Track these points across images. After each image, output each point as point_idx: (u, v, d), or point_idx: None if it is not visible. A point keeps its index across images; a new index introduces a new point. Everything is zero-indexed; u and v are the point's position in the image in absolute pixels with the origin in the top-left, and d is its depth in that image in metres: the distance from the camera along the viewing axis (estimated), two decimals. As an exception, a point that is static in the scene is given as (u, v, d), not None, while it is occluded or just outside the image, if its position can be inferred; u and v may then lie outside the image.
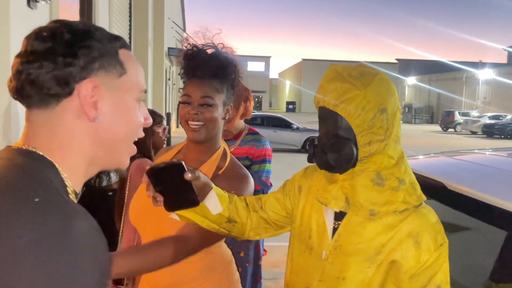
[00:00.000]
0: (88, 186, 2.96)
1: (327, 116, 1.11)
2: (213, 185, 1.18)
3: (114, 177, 2.94)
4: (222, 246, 1.47)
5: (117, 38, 0.78)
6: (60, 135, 0.72)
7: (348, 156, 1.08)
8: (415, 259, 1.04)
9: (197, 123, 1.35)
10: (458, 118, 31.13)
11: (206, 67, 1.37)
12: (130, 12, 7.25)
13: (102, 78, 0.74)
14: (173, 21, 16.34)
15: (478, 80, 39.63)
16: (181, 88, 1.44)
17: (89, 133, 0.73)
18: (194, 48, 1.40)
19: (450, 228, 1.51)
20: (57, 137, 0.71)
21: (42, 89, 0.69)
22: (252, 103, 2.53)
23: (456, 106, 39.52)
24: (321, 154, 1.12)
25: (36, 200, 0.60)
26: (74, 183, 0.73)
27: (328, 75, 1.12)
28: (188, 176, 1.06)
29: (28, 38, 0.71)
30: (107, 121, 0.74)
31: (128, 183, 2.21)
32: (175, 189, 1.09)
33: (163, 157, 1.51)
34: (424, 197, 1.11)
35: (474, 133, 28.41)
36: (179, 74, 1.48)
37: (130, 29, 7.18)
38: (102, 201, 2.97)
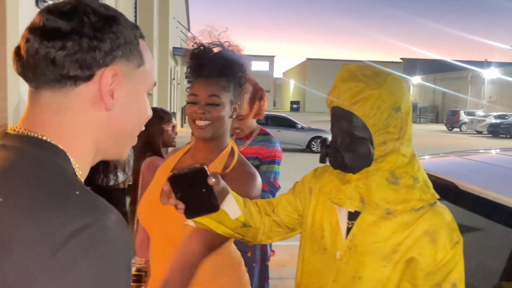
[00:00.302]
0: (96, 185, 2.96)
1: (341, 116, 1.10)
2: (229, 189, 1.16)
3: (121, 177, 2.94)
4: (231, 247, 1.46)
5: (137, 27, 0.75)
6: (71, 122, 0.68)
7: (365, 155, 1.08)
8: (432, 257, 1.04)
9: (204, 122, 1.36)
10: (464, 117, 30.98)
11: (212, 66, 1.37)
12: (135, 12, 7.26)
13: (123, 66, 0.70)
14: (178, 21, 16.36)
15: (484, 79, 39.42)
16: (188, 88, 1.44)
17: (101, 123, 0.70)
18: (200, 47, 1.41)
19: (462, 229, 1.50)
20: (68, 124, 0.68)
21: (60, 70, 0.65)
22: (266, 103, 2.53)
23: (462, 105, 39.34)
24: (336, 154, 1.12)
25: (77, 193, 0.59)
26: (81, 173, 0.70)
27: (342, 75, 1.12)
28: (211, 181, 1.04)
29: (48, 12, 0.66)
30: (121, 112, 0.71)
31: (140, 181, 2.22)
32: (196, 194, 1.07)
33: (172, 158, 1.51)
34: (437, 195, 1.12)
35: (479, 132, 28.27)
36: (185, 73, 1.48)
37: (135, 29, 7.20)
38: (110, 200, 2.97)
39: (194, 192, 1.06)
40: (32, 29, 0.65)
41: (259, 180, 1.41)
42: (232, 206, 1.15)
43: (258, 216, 1.25)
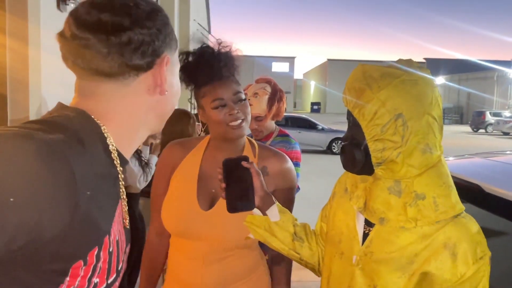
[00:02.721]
0: None
1: (349, 116, 1.09)
2: (275, 200, 1.25)
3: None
4: (258, 245, 1.48)
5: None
6: (125, 109, 0.74)
7: (354, 161, 1.04)
8: (451, 272, 0.97)
9: (239, 121, 1.35)
10: (489, 118, 30.21)
11: (224, 66, 1.37)
12: (156, 14, 7.35)
13: (169, 52, 0.76)
14: (198, 23, 16.49)
15: (511, 79, 38.40)
16: (190, 99, 1.45)
17: (152, 106, 0.76)
18: (203, 49, 1.39)
19: (486, 233, 1.45)
20: (121, 110, 0.74)
21: (127, 61, 0.69)
22: (285, 105, 2.52)
23: (487, 106, 38.40)
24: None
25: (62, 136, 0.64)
26: (125, 150, 0.76)
27: (353, 74, 1.08)
28: (249, 164, 1.18)
29: (97, 9, 0.69)
30: (169, 94, 0.78)
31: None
32: (239, 184, 1.18)
33: (191, 162, 1.45)
34: (458, 209, 1.01)
35: (506, 134, 27.54)
36: (186, 87, 1.44)
37: (156, 31, 7.28)
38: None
39: (239, 180, 1.17)
40: (90, 27, 0.68)
41: (288, 161, 1.47)
42: (273, 211, 1.22)
43: (313, 236, 1.31)
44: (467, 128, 32.97)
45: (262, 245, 1.48)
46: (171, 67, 0.77)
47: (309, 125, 15.01)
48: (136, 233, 3.05)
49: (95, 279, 0.68)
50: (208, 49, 1.38)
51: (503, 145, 20.08)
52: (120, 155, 0.75)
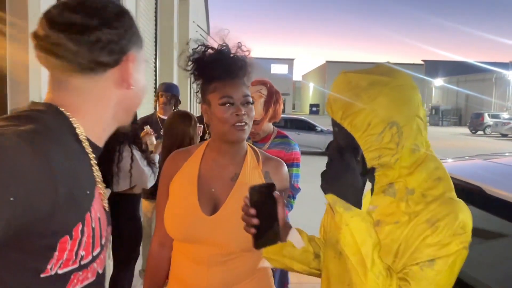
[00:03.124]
0: (115, 192, 2.99)
1: (335, 125, 1.06)
2: (291, 225, 1.23)
3: (125, 183, 2.92)
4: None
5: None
6: (95, 102, 0.81)
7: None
8: (428, 241, 0.96)
9: (243, 123, 1.35)
10: (488, 120, 30.26)
11: (238, 67, 1.38)
12: (155, 16, 7.34)
13: (135, 50, 0.83)
14: (197, 25, 16.50)
15: (509, 81, 38.46)
16: (197, 92, 1.43)
17: (119, 100, 0.83)
18: (222, 47, 1.40)
19: (488, 235, 1.45)
20: (92, 103, 0.81)
21: (96, 59, 0.77)
22: (282, 106, 2.50)
23: (486, 108, 38.44)
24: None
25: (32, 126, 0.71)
26: (96, 139, 0.83)
27: (338, 83, 1.05)
28: (277, 194, 1.11)
29: (68, 9, 0.76)
30: (136, 88, 0.84)
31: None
32: (267, 217, 1.09)
33: (190, 166, 1.44)
34: (446, 197, 1.02)
35: (504, 135, 27.58)
36: (195, 80, 1.45)
37: (155, 32, 7.27)
38: (123, 205, 2.97)
39: (267, 212, 1.09)
40: (62, 27, 0.76)
41: (286, 167, 1.50)
42: (296, 237, 1.19)
43: (320, 244, 1.28)
44: (465, 130, 33.00)
45: None
46: (137, 64, 0.83)
47: (308, 127, 15.01)
48: (135, 232, 3.04)
49: (81, 252, 0.76)
50: (227, 49, 1.39)
51: (501, 146, 20.10)
52: (91, 143, 0.82)
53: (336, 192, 1.00)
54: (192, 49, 1.42)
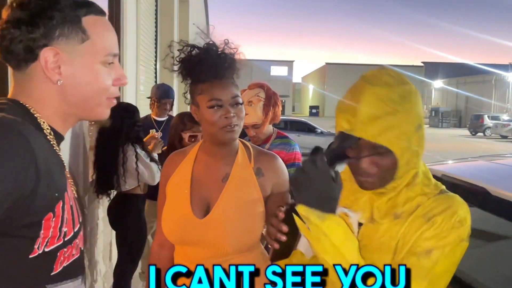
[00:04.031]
0: (119, 192, 2.99)
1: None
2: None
3: (131, 183, 2.93)
4: (261, 248, 1.47)
5: (83, 5, 0.85)
6: (35, 93, 0.84)
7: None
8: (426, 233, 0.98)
9: (233, 125, 1.32)
10: (488, 122, 30.24)
11: (226, 66, 1.34)
12: (156, 18, 7.34)
13: (63, 44, 0.82)
14: (197, 27, 16.50)
15: (508, 82, 38.49)
16: (185, 93, 1.41)
17: (58, 93, 0.84)
18: (209, 46, 1.36)
19: (492, 236, 1.44)
20: (33, 94, 0.84)
21: (14, 55, 0.81)
22: (280, 108, 2.50)
23: (485, 109, 38.44)
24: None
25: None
26: (59, 129, 0.87)
27: (367, 102, 0.99)
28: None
29: (8, 7, 0.81)
30: (72, 83, 0.84)
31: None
32: (291, 233, 1.06)
33: (183, 169, 1.43)
34: (441, 186, 1.06)
35: (504, 137, 27.56)
36: (183, 80, 1.40)
37: (156, 34, 7.27)
38: (125, 206, 2.98)
39: (291, 229, 1.05)
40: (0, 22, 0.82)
41: (280, 160, 1.47)
42: (305, 245, 1.16)
43: None
44: (465, 132, 32.99)
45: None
46: (69, 58, 0.83)
47: (308, 129, 15.00)
48: (140, 232, 3.04)
49: (64, 229, 0.81)
50: (214, 47, 1.35)
51: (502, 148, 20.10)
52: (54, 131, 0.86)
53: (309, 201, 0.97)
54: (178, 50, 1.39)
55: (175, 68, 1.38)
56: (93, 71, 0.86)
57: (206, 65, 1.32)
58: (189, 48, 1.35)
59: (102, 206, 3.21)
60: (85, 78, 0.85)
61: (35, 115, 0.83)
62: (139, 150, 2.89)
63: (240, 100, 1.36)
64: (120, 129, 2.83)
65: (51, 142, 0.85)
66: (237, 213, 1.33)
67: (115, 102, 0.93)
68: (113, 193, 3.06)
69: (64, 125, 0.89)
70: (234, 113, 1.32)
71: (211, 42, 1.36)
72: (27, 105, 0.83)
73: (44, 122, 0.84)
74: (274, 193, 1.40)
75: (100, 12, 0.89)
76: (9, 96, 0.86)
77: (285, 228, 1.05)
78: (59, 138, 0.89)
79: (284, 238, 1.04)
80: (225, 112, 1.31)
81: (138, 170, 2.87)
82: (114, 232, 3.22)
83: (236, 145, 1.42)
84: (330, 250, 0.97)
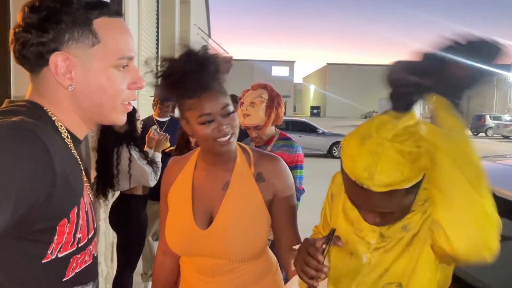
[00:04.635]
0: (122, 193, 3.00)
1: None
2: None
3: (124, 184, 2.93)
4: (268, 252, 1.45)
5: (95, 7, 0.82)
6: (50, 97, 0.83)
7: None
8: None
9: (228, 136, 1.27)
10: (489, 122, 30.19)
11: (208, 77, 1.24)
12: (157, 19, 7.35)
13: (74, 49, 0.80)
14: (199, 27, 16.52)
15: (510, 83, 38.41)
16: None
17: (71, 98, 0.83)
18: (189, 57, 1.25)
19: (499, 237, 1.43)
20: (49, 97, 0.83)
21: (27, 59, 0.80)
22: (283, 109, 2.49)
23: (487, 109, 38.37)
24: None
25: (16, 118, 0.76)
26: (76, 133, 0.86)
27: (389, 157, 0.94)
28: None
29: (21, 10, 0.80)
30: (84, 89, 0.82)
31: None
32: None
33: (183, 178, 1.40)
34: None
35: (506, 137, 27.51)
36: (168, 95, 1.31)
37: (157, 36, 7.28)
38: (129, 206, 2.99)
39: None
40: (15, 26, 0.81)
41: (282, 162, 1.41)
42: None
43: None
44: (467, 132, 32.88)
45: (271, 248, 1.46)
46: (80, 62, 0.81)
47: (310, 129, 14.99)
48: (139, 233, 3.04)
49: (78, 235, 0.80)
50: (195, 57, 1.24)
51: (503, 148, 20.05)
52: (71, 134, 0.85)
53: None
54: (156, 65, 1.31)
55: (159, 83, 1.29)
56: (106, 75, 0.83)
57: (190, 80, 1.23)
58: (168, 63, 1.26)
59: (104, 207, 3.22)
60: (97, 83, 0.83)
61: (52, 118, 0.82)
62: (133, 152, 2.90)
63: (231, 108, 1.28)
64: (117, 130, 2.84)
65: (69, 146, 0.84)
66: (240, 222, 1.30)
67: (131, 107, 0.90)
68: (113, 194, 3.06)
69: (81, 129, 0.88)
70: (227, 123, 1.26)
71: (189, 50, 1.26)
72: (45, 108, 0.82)
73: (61, 126, 0.83)
74: (278, 197, 1.35)
75: (115, 13, 0.85)
76: (26, 97, 0.85)
77: (321, 258, 1.00)
78: (77, 141, 0.87)
79: (322, 269, 1.00)
80: (218, 125, 1.25)
81: (131, 173, 2.87)
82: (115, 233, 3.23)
83: (233, 152, 1.36)
84: (459, 153, 0.92)
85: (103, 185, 2.91)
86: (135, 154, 2.90)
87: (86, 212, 0.83)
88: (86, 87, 0.82)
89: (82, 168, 0.87)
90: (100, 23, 0.82)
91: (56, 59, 0.79)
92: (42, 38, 0.78)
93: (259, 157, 1.39)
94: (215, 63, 1.27)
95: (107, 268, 3.51)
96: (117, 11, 0.87)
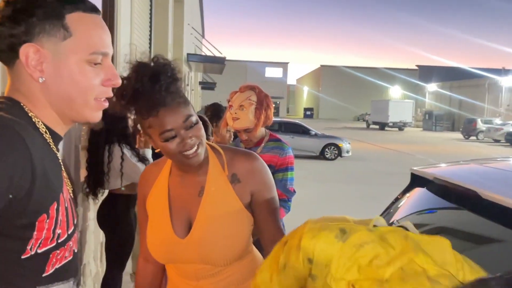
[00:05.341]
0: (111, 193, 2.98)
1: None
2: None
3: (115, 182, 2.91)
4: (254, 251, 1.44)
5: (71, 2, 0.83)
6: (25, 91, 0.83)
7: None
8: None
9: (194, 148, 1.22)
10: (481, 125, 30.47)
11: (164, 92, 1.16)
12: (150, 19, 7.32)
13: (45, 42, 0.80)
14: (192, 27, 16.48)
15: (501, 87, 38.79)
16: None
17: (43, 91, 0.83)
18: (139, 73, 1.17)
19: (484, 239, 1.44)
20: (24, 92, 0.83)
21: (1, 51, 0.80)
22: (273, 109, 2.48)
23: (478, 113, 38.73)
24: None
25: None
26: (55, 129, 0.86)
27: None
28: None
29: (1, 4, 0.80)
30: (54, 82, 0.82)
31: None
32: None
33: (160, 184, 1.37)
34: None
35: (497, 141, 27.78)
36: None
37: (150, 35, 7.25)
38: (116, 206, 2.96)
39: None
40: None
41: (257, 159, 1.36)
42: None
43: None
44: (458, 135, 33.21)
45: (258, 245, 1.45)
46: (51, 55, 0.81)
47: (302, 131, 15.02)
48: (128, 233, 3.02)
49: (58, 230, 0.81)
50: (145, 72, 1.17)
51: (494, 152, 20.25)
52: (50, 129, 0.84)
53: None
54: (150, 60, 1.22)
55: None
56: (77, 69, 0.83)
57: (143, 99, 1.15)
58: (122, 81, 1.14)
59: (93, 206, 3.19)
60: (68, 77, 0.82)
61: (29, 114, 0.82)
62: (125, 150, 2.88)
63: (194, 119, 1.22)
64: (108, 128, 2.82)
65: (48, 141, 0.84)
66: (219, 227, 1.28)
67: (106, 104, 0.89)
68: (103, 193, 3.04)
69: (60, 125, 0.87)
70: (191, 136, 1.21)
71: (138, 65, 1.19)
72: (22, 104, 0.82)
73: (39, 121, 0.83)
74: (256, 195, 1.33)
75: (91, 9, 0.86)
76: (5, 93, 0.85)
77: None
78: (57, 138, 0.87)
79: None
80: (181, 139, 1.20)
81: (123, 171, 2.85)
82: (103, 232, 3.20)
83: (206, 155, 1.31)
84: None
85: (93, 183, 2.89)
86: (127, 152, 2.88)
87: (66, 208, 0.83)
88: (57, 80, 0.82)
89: (61, 163, 0.87)
90: (74, 18, 0.82)
91: (27, 51, 0.79)
92: (14, 30, 0.78)
93: (232, 157, 1.35)
94: (168, 73, 1.19)
95: (96, 268, 3.48)
96: (93, 7, 0.87)
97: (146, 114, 1.18)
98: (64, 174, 0.88)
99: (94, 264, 3.44)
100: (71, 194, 0.91)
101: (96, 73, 0.85)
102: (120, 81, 0.90)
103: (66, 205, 0.84)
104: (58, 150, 0.86)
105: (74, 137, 2.90)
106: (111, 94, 0.90)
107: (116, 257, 3.04)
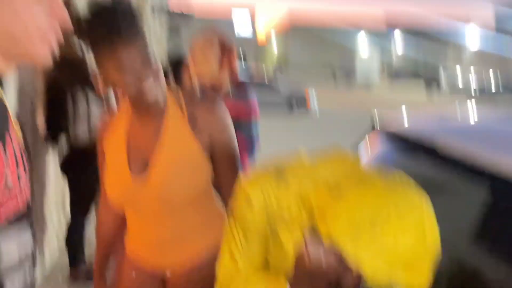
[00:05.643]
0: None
1: None
2: None
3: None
4: (216, 203, 1.42)
5: None
6: None
7: None
8: None
9: (150, 80, 1.21)
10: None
11: (116, 19, 1.15)
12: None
13: None
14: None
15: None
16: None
17: None
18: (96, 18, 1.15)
19: (440, 190, 1.50)
20: None
21: None
22: (236, 59, 2.35)
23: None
24: None
25: None
26: None
27: None
28: None
29: None
30: None
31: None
32: None
33: (118, 126, 1.34)
34: None
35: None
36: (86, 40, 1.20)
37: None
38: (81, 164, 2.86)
39: None
40: None
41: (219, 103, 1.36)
42: None
43: None
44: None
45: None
46: None
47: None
48: (91, 177, 2.95)
49: (7, 170, 0.76)
50: (100, 6, 1.15)
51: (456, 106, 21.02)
52: None
53: None
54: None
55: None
56: (15, 3, 0.73)
57: (99, 39, 1.15)
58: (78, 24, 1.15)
59: (52, 154, 3.12)
60: (6, 10, 0.72)
61: None
62: (90, 94, 2.75)
63: (151, 54, 1.20)
64: (69, 74, 2.69)
65: None
66: (176, 166, 1.28)
67: (54, 42, 0.78)
68: (66, 140, 2.91)
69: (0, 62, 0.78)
70: (148, 71, 1.18)
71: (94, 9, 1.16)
72: None
73: None
74: (215, 140, 1.32)
75: None
76: None
77: None
78: None
79: None
80: (138, 73, 1.17)
81: (90, 113, 2.74)
82: (66, 180, 3.11)
83: (163, 95, 1.27)
84: None
85: (52, 130, 2.78)
86: (93, 96, 2.76)
87: (14, 149, 0.79)
88: None
89: (5, 104, 0.81)
90: None
91: None
92: None
93: (191, 99, 1.33)
94: (125, 8, 1.17)
95: (59, 216, 3.44)
96: None
97: (102, 44, 1.14)
98: (11, 116, 0.83)
99: (56, 213, 3.40)
100: (22, 140, 0.86)
101: (36, 9, 0.75)
102: (66, 15, 0.78)
103: (13, 146, 0.79)
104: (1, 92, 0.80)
105: (31, 85, 2.77)
106: (59, 34, 0.79)
107: (80, 203, 2.98)
